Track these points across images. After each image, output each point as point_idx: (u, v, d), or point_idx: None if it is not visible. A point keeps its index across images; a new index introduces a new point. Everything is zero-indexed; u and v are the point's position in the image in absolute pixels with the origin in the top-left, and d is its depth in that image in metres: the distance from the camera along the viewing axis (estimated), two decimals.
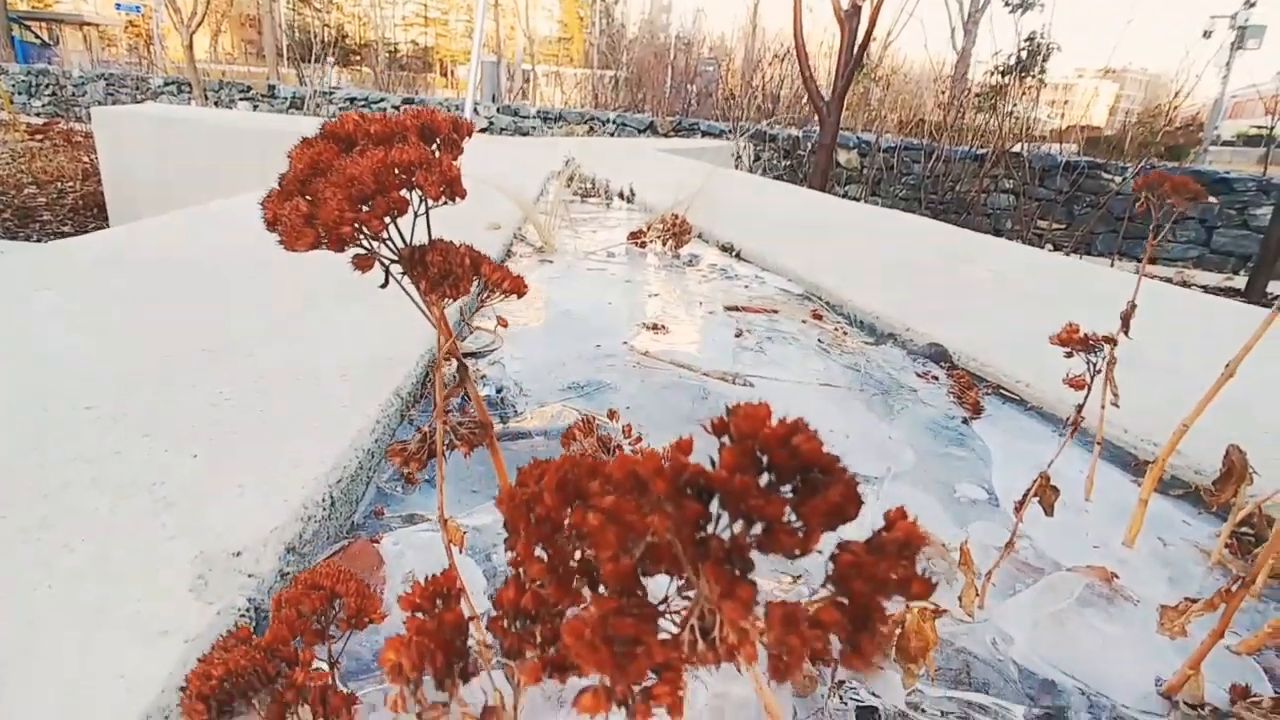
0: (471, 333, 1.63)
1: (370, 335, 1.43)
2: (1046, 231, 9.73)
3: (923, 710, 0.71)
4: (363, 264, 0.50)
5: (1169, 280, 7.20)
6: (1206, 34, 18.42)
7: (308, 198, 0.48)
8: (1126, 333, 1.09)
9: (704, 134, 12.21)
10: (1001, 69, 10.62)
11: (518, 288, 0.55)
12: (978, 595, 0.82)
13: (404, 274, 0.51)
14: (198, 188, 5.96)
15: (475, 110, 12.46)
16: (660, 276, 2.32)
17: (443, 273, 0.51)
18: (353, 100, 14.51)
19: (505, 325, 1.63)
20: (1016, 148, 9.54)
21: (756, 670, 0.30)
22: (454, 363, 0.63)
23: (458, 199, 0.51)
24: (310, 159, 0.49)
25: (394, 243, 0.50)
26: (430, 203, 0.49)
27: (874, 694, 0.72)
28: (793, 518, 0.25)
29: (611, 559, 0.27)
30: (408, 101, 14.49)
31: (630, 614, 0.27)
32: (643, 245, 2.66)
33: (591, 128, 13.62)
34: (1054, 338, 0.75)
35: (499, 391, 1.37)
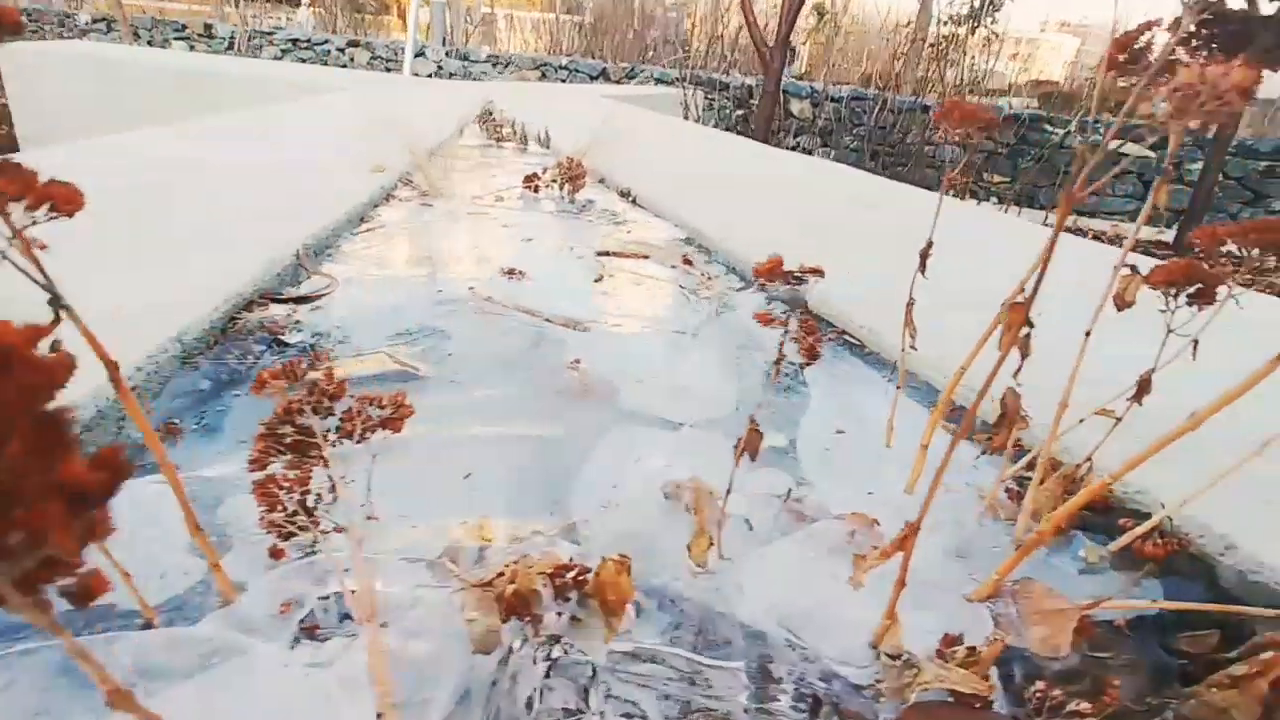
0: (309, 276, 1.55)
1: None
2: (990, 184, 9.78)
3: (620, 670, 0.68)
4: None
5: (1102, 234, 7.29)
6: None
7: None
8: (923, 272, 1.06)
9: (657, 81, 11.91)
10: (955, 19, 10.47)
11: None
12: (712, 545, 0.79)
13: None
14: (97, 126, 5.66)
15: (422, 53, 11.98)
16: (543, 221, 2.24)
17: None
18: (294, 42, 13.83)
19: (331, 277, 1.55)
20: (967, 99, 9.47)
21: None
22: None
23: None
24: None
25: None
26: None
27: (572, 649, 0.69)
28: None
29: None
30: (352, 44, 13.87)
31: None
32: (537, 190, 2.57)
33: (544, 73, 13.19)
34: (757, 267, 0.71)
35: (314, 338, 1.30)
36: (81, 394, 0.92)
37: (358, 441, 0.79)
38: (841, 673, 0.69)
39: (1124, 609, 0.75)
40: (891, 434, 1.08)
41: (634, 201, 2.58)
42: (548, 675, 0.66)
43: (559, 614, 0.71)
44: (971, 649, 0.67)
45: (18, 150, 7.10)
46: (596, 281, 1.69)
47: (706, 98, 11.13)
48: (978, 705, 0.63)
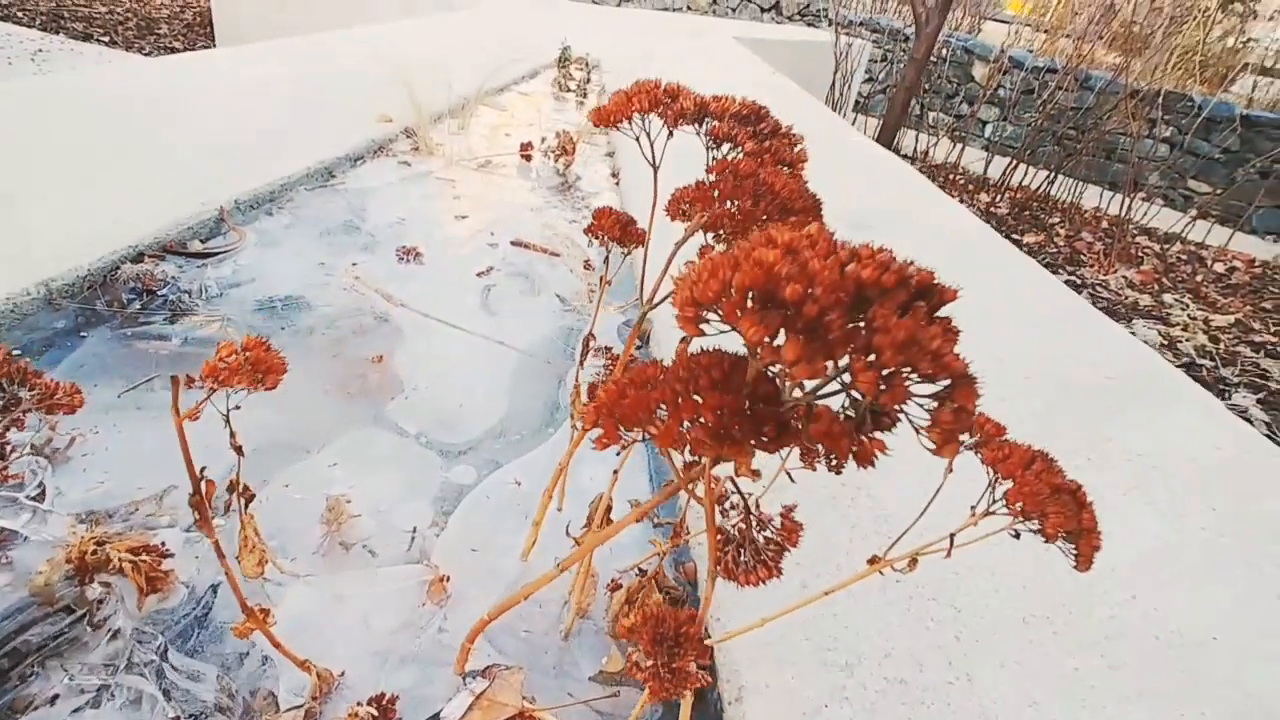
0: (227, 231, 1.78)
1: None
2: (1195, 195, 8.49)
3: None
4: None
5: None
6: None
7: None
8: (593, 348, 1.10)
9: (830, 24, 11.19)
10: None
11: None
12: (264, 563, 0.94)
13: None
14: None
15: None
16: (505, 196, 2.35)
17: None
18: None
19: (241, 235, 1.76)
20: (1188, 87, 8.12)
21: None
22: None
23: None
24: None
25: None
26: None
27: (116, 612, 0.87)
28: None
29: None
30: None
31: None
32: (529, 159, 2.66)
33: (716, 2, 12.79)
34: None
35: (181, 294, 1.53)
36: None
37: (47, 414, 1.00)
38: (281, 698, 0.83)
39: None
40: (549, 500, 1.15)
41: (616, 184, 2.61)
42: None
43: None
44: (380, 710, 0.79)
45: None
46: (479, 275, 1.81)
47: (881, 48, 10.27)
48: None
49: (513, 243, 1.99)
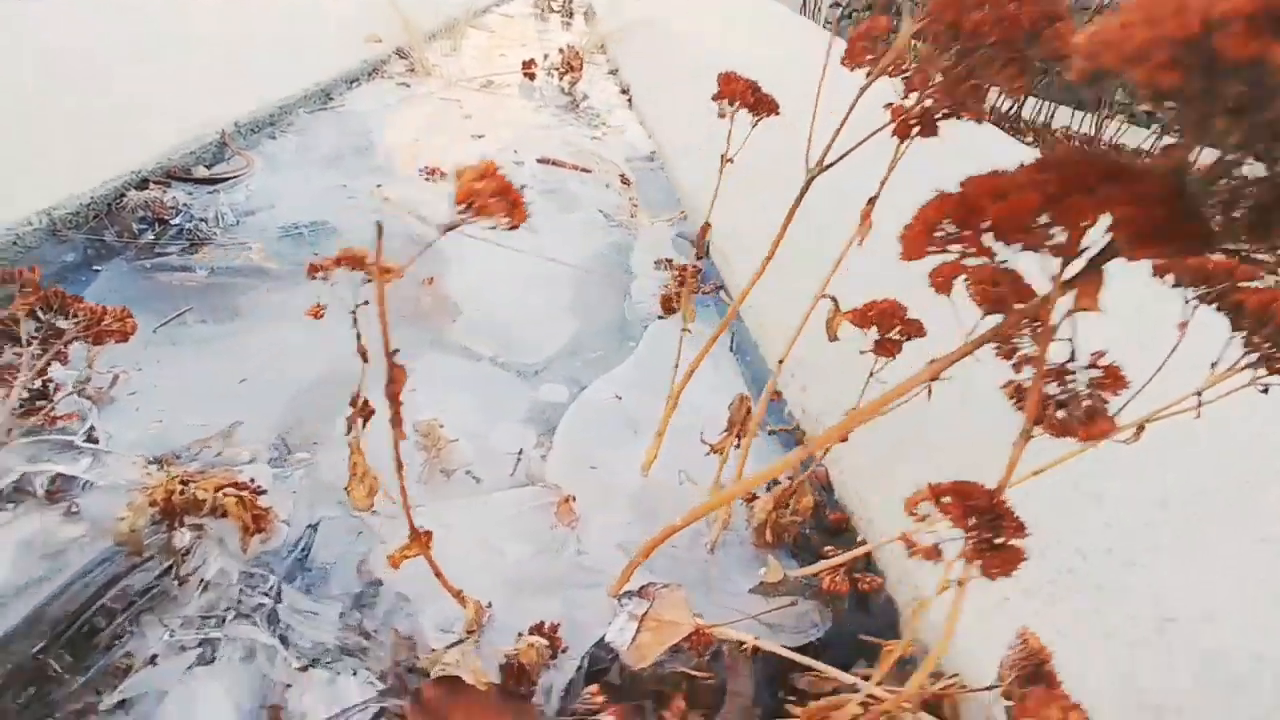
0: (231, 155, 1.61)
1: None
2: (1158, 110, 8.51)
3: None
4: None
5: None
6: None
7: None
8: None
9: None
10: None
11: None
12: (374, 492, 0.83)
13: None
14: None
15: None
16: (516, 115, 2.19)
17: None
18: None
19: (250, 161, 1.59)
20: None
21: None
22: None
23: None
24: None
25: None
26: None
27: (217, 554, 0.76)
28: None
29: None
30: None
31: None
32: (533, 77, 2.49)
33: None
34: None
35: (197, 223, 1.37)
36: None
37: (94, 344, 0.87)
38: (430, 638, 0.74)
39: (735, 638, 0.75)
40: (674, 409, 1.06)
41: (629, 101, 2.46)
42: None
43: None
44: (548, 640, 0.71)
45: None
46: None
47: None
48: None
49: (539, 160, 1.85)
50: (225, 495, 0.75)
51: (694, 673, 0.75)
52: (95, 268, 1.21)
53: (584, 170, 1.83)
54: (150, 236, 1.31)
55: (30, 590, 0.73)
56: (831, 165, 0.70)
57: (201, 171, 1.51)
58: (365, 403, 0.74)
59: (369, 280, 0.58)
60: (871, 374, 0.75)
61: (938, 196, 0.38)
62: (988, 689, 0.66)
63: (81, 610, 0.72)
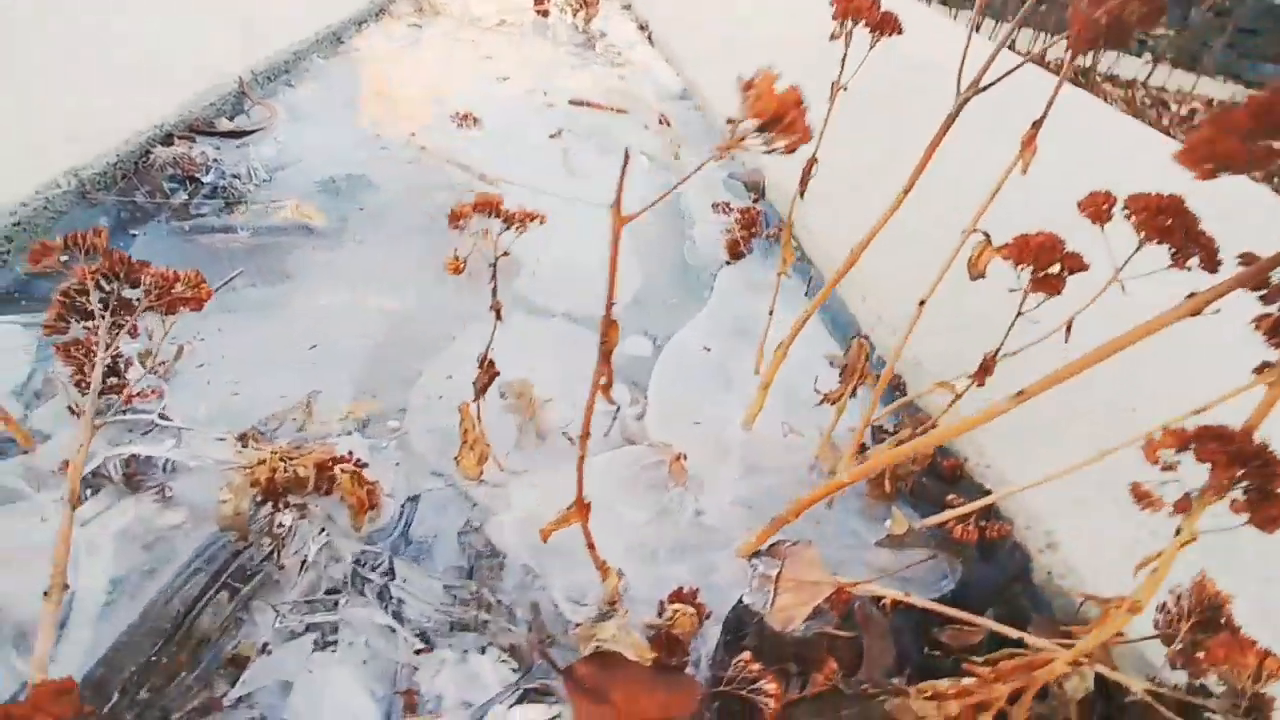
0: (252, 106, 1.51)
1: None
2: (1150, 38, 8.26)
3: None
4: None
5: None
6: None
7: None
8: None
9: None
10: None
11: None
12: (484, 459, 0.79)
13: None
14: None
15: None
16: (533, 55, 2.07)
17: None
18: None
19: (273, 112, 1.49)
20: None
21: None
22: None
23: None
24: None
25: None
26: None
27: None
28: None
29: None
30: None
31: None
32: (546, 14, 2.36)
33: None
34: None
35: (229, 179, 1.29)
36: None
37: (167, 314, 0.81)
38: (562, 608, 0.70)
39: (877, 593, 0.72)
40: (761, 360, 1.01)
41: (649, 38, 2.34)
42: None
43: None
44: (693, 607, 0.67)
45: None
46: (552, 138, 1.59)
47: None
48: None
49: (572, 102, 1.75)
50: (341, 471, 0.70)
51: (836, 632, 0.72)
52: (131, 232, 1.13)
53: (619, 111, 1.74)
54: (183, 196, 1.23)
55: (137, 585, 0.68)
56: (988, 88, 0.64)
57: (225, 124, 1.41)
58: (490, 363, 0.68)
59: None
60: (1020, 313, 0.70)
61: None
62: (1155, 636, 0.64)
63: (195, 603, 0.68)
